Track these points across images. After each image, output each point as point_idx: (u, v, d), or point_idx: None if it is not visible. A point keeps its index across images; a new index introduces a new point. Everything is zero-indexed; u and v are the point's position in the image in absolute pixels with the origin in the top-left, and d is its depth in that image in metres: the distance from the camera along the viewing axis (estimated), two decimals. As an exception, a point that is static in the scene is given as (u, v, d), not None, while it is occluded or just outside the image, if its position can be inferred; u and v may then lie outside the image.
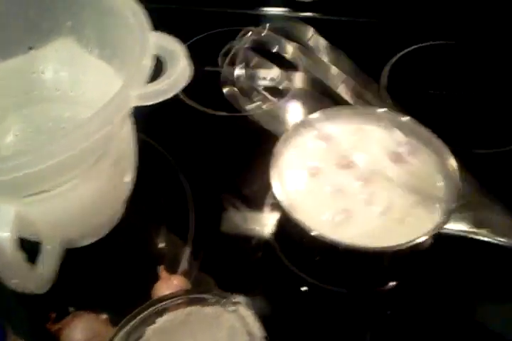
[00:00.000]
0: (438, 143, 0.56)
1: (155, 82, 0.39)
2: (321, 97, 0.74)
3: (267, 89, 0.75)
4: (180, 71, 0.40)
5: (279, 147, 0.56)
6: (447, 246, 0.55)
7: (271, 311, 0.55)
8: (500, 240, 0.50)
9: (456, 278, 0.57)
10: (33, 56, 0.54)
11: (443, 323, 0.53)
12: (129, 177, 0.53)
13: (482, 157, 0.66)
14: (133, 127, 0.51)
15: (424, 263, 0.57)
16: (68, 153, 0.36)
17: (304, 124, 0.59)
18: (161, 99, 0.40)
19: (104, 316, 0.51)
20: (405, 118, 0.58)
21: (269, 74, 0.76)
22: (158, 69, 0.42)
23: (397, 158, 0.56)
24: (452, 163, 0.54)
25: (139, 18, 0.42)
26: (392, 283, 0.57)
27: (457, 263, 0.57)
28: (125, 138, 0.48)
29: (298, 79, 0.77)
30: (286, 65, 0.78)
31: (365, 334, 0.53)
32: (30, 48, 0.53)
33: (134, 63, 0.40)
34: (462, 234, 0.51)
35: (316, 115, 0.59)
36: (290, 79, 0.76)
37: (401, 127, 0.58)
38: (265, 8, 0.88)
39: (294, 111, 0.73)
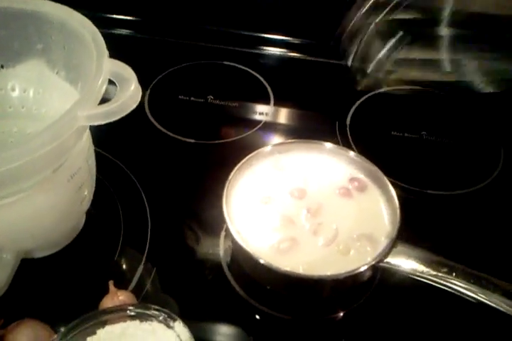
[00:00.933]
0: (383, 179, 0.58)
1: (105, 104, 0.42)
2: (291, 131, 0.78)
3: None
4: (129, 95, 0.43)
5: (233, 176, 0.58)
6: (393, 280, 0.58)
7: (220, 336, 0.56)
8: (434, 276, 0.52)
9: (401, 309, 0.59)
10: (4, 74, 0.56)
11: None
12: (85, 192, 0.55)
13: (434, 197, 0.69)
14: (91, 145, 0.54)
15: (371, 294, 0.59)
16: (15, 163, 0.38)
17: (258, 155, 0.61)
18: (110, 120, 0.42)
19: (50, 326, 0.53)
20: (354, 154, 0.60)
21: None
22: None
23: (345, 192, 0.58)
24: (395, 200, 0.56)
25: (98, 44, 0.46)
26: (341, 312, 0.58)
27: (399, 296, 0.59)
28: (81, 154, 0.50)
29: (266, 112, 0.81)
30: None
31: None
32: (2, 67, 0.56)
33: (87, 85, 0.43)
34: (399, 268, 0.53)
35: (269, 147, 0.62)
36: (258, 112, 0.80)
37: (351, 162, 0.61)
38: (240, 46, 0.93)
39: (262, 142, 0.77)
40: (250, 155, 0.60)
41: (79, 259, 0.61)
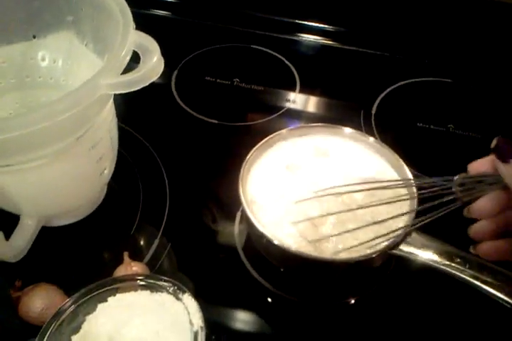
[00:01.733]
0: (403, 168, 0.57)
1: (127, 74, 0.43)
2: (314, 118, 0.78)
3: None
4: (152, 66, 0.43)
5: (250, 157, 0.59)
6: (407, 269, 0.58)
7: (235, 319, 0.57)
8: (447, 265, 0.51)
9: (414, 296, 0.59)
10: (35, 44, 0.58)
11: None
12: (106, 165, 0.56)
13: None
14: (114, 117, 0.55)
15: (384, 282, 0.59)
16: (36, 126, 0.39)
17: (277, 138, 0.61)
18: (131, 90, 0.43)
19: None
20: (374, 140, 0.60)
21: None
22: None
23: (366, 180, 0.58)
24: (413, 189, 0.55)
25: (125, 16, 0.46)
26: (353, 298, 0.59)
27: (415, 282, 0.59)
28: (104, 125, 0.51)
29: (291, 98, 0.81)
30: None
31: None
32: (34, 37, 0.57)
33: (112, 55, 0.44)
34: (411, 256, 0.52)
35: (288, 130, 0.62)
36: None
37: (371, 148, 0.60)
38: (270, 30, 0.93)
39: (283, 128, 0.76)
40: (269, 137, 0.60)
41: (97, 230, 0.63)
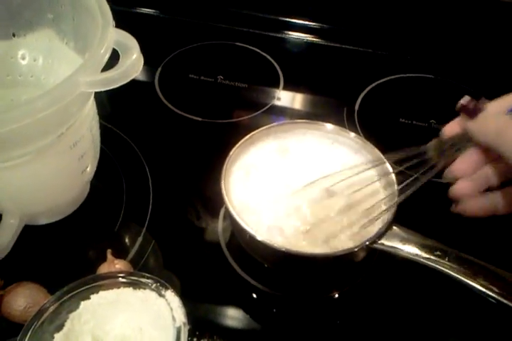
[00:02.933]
0: (384, 162, 0.57)
1: (107, 72, 0.43)
2: (298, 114, 0.78)
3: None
4: (131, 63, 0.43)
5: (233, 153, 0.59)
6: (389, 263, 0.58)
7: (219, 315, 0.57)
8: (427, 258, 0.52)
9: (397, 289, 0.59)
10: (15, 42, 0.58)
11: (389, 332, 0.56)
12: (88, 162, 0.56)
13: (435, 185, 0.68)
14: (95, 115, 0.55)
15: (367, 276, 0.60)
16: (14, 124, 0.39)
17: (260, 134, 0.61)
18: (111, 87, 0.43)
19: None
20: (355, 135, 0.60)
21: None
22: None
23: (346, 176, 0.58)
24: (394, 184, 0.56)
25: (105, 15, 0.46)
26: (336, 293, 0.59)
27: (395, 278, 0.60)
28: (84, 123, 0.51)
29: (275, 95, 0.81)
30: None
31: (313, 339, 0.56)
32: (14, 35, 0.57)
33: (91, 53, 0.44)
34: (392, 250, 0.53)
35: (271, 126, 0.62)
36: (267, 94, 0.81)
37: (352, 143, 0.61)
38: (254, 27, 0.93)
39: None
40: (251, 134, 0.60)
41: (80, 228, 0.63)
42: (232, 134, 0.72)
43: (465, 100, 0.43)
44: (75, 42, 0.54)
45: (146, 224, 0.63)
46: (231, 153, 0.58)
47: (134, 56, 0.44)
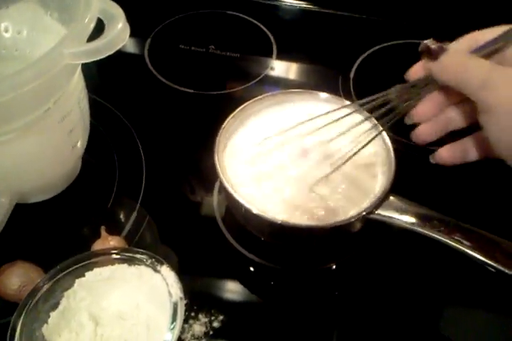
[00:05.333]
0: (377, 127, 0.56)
1: (92, 42, 0.41)
2: (292, 84, 0.76)
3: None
4: (116, 32, 0.42)
5: (227, 124, 0.57)
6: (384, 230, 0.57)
7: (212, 285, 0.57)
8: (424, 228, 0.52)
9: (392, 259, 0.59)
10: (-3, 15, 0.56)
11: (386, 301, 0.56)
12: (78, 138, 0.55)
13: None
14: (84, 89, 0.53)
15: (362, 245, 0.60)
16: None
17: (254, 104, 0.60)
18: (97, 58, 0.41)
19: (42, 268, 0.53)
20: (350, 103, 0.58)
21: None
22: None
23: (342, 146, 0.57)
24: (391, 153, 0.55)
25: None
26: (333, 264, 0.59)
27: (391, 248, 0.59)
28: (72, 96, 0.50)
29: (268, 64, 0.80)
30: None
31: (307, 310, 0.55)
32: (-5, 8, 0.55)
33: (74, 22, 0.42)
34: (389, 220, 0.52)
35: (265, 96, 0.60)
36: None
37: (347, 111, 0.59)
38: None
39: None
40: (245, 104, 0.59)
41: (73, 205, 0.62)
42: (226, 106, 0.70)
43: (428, 41, 0.44)
44: (60, 14, 0.52)
45: (139, 200, 0.62)
46: (224, 124, 0.57)
47: (120, 25, 0.42)
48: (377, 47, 0.82)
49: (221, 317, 0.53)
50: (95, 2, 0.43)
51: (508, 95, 0.39)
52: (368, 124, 0.54)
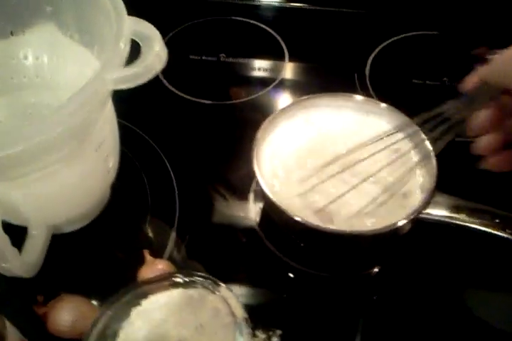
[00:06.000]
0: (417, 130, 0.55)
1: (131, 66, 0.40)
2: (309, 86, 0.75)
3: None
4: (155, 55, 0.40)
5: (261, 134, 0.56)
6: (427, 231, 0.56)
7: (258, 297, 0.56)
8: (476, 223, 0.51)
9: (436, 261, 0.58)
10: (14, 41, 0.54)
11: (427, 306, 0.55)
12: (112, 162, 0.53)
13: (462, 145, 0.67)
14: (114, 113, 0.52)
15: (406, 248, 0.58)
16: (46, 135, 0.36)
17: (285, 111, 0.59)
18: (137, 83, 0.40)
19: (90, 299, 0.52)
20: (384, 105, 0.58)
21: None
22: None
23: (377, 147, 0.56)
24: (428, 150, 0.54)
25: (116, 3, 0.43)
26: (376, 268, 0.58)
27: (436, 247, 0.58)
28: (106, 123, 0.48)
29: (282, 69, 0.78)
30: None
31: (353, 318, 0.54)
32: (12, 33, 0.53)
33: (110, 47, 0.40)
34: (441, 218, 0.52)
35: (296, 102, 0.59)
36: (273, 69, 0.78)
37: (382, 114, 0.59)
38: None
39: (280, 100, 0.74)
40: (276, 112, 0.58)
41: (108, 231, 0.60)
42: (246, 114, 0.70)
43: (480, 49, 0.45)
44: (80, 35, 0.51)
45: (176, 219, 0.60)
46: (257, 134, 0.56)
47: (157, 46, 0.40)
48: (388, 41, 0.81)
49: (279, 332, 0.52)
50: (127, 23, 0.41)
51: None
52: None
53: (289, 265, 0.57)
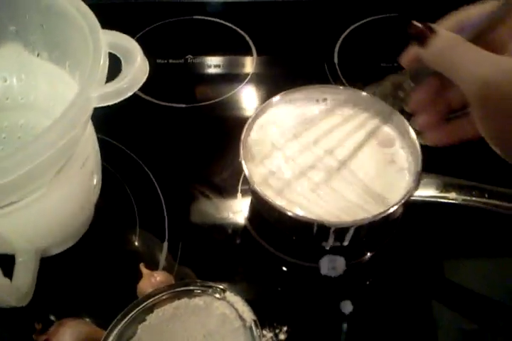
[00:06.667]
0: (397, 116, 0.56)
1: (114, 81, 0.39)
2: (281, 79, 0.75)
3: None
4: (138, 68, 0.39)
5: (247, 129, 0.56)
6: (417, 213, 0.57)
7: (256, 293, 0.56)
8: (467, 200, 0.52)
9: (430, 241, 0.59)
10: (-22, 65, 0.52)
11: (421, 287, 0.56)
12: (96, 179, 0.52)
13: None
14: (93, 127, 0.50)
15: (399, 231, 0.59)
16: (38, 159, 0.35)
17: (269, 106, 0.59)
18: (122, 98, 0.39)
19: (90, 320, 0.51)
20: (364, 94, 0.58)
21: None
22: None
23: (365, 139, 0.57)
24: (412, 134, 0.55)
25: (87, 17, 0.41)
26: (368, 254, 0.58)
27: (432, 226, 0.59)
28: (88, 139, 0.47)
29: (251, 64, 0.78)
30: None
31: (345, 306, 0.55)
32: (-26, 57, 0.51)
33: (89, 63, 0.39)
34: (431, 199, 0.52)
35: (277, 97, 0.59)
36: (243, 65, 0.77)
37: (361, 103, 0.59)
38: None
39: (254, 95, 0.74)
40: (259, 109, 0.58)
41: (97, 250, 0.58)
42: (223, 113, 0.69)
43: (413, 27, 0.40)
44: (49, 52, 0.49)
45: (166, 228, 0.59)
46: (244, 130, 0.56)
47: (138, 58, 0.39)
48: (352, 27, 0.81)
49: (285, 328, 0.52)
50: (103, 38, 0.40)
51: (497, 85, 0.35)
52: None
53: (282, 259, 0.57)
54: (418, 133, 0.53)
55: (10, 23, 0.49)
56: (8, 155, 0.34)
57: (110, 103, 0.39)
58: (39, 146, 0.35)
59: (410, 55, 0.44)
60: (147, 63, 0.40)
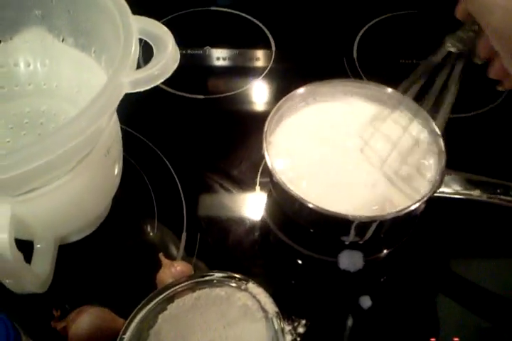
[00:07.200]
0: (421, 111, 0.56)
1: (146, 67, 0.38)
2: (299, 73, 0.74)
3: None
4: (169, 54, 0.39)
5: (270, 121, 0.55)
6: (439, 209, 0.56)
7: (274, 286, 0.54)
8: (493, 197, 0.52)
9: (447, 240, 0.58)
10: (2, 49, 0.51)
11: (438, 286, 0.56)
12: (118, 168, 0.52)
13: (460, 121, 0.68)
14: (116, 115, 0.50)
15: (417, 230, 0.58)
16: (64, 147, 0.34)
17: (291, 99, 0.58)
18: (153, 85, 0.39)
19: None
20: (390, 90, 0.58)
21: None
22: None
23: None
24: (436, 130, 0.55)
25: (118, 2, 0.41)
26: (385, 251, 0.58)
27: (450, 224, 0.59)
28: (113, 127, 0.46)
29: (269, 57, 0.77)
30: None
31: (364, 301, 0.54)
32: (-1, 41, 0.51)
33: (120, 49, 0.39)
34: (455, 195, 0.52)
35: (302, 90, 0.58)
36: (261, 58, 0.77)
37: (386, 99, 0.59)
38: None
39: (272, 89, 0.73)
40: (282, 100, 0.57)
41: (116, 239, 0.58)
42: (241, 106, 0.69)
43: None
44: (75, 38, 0.49)
45: (184, 219, 0.59)
46: (266, 125, 0.55)
47: (170, 46, 0.39)
48: (371, 22, 0.81)
49: (303, 322, 0.52)
50: (134, 24, 0.39)
51: None
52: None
53: (300, 252, 0.57)
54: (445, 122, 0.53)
55: (35, 7, 0.48)
56: (36, 141, 0.34)
57: (141, 89, 0.38)
58: (70, 132, 0.34)
59: (460, 7, 0.46)
60: (178, 51, 0.40)
